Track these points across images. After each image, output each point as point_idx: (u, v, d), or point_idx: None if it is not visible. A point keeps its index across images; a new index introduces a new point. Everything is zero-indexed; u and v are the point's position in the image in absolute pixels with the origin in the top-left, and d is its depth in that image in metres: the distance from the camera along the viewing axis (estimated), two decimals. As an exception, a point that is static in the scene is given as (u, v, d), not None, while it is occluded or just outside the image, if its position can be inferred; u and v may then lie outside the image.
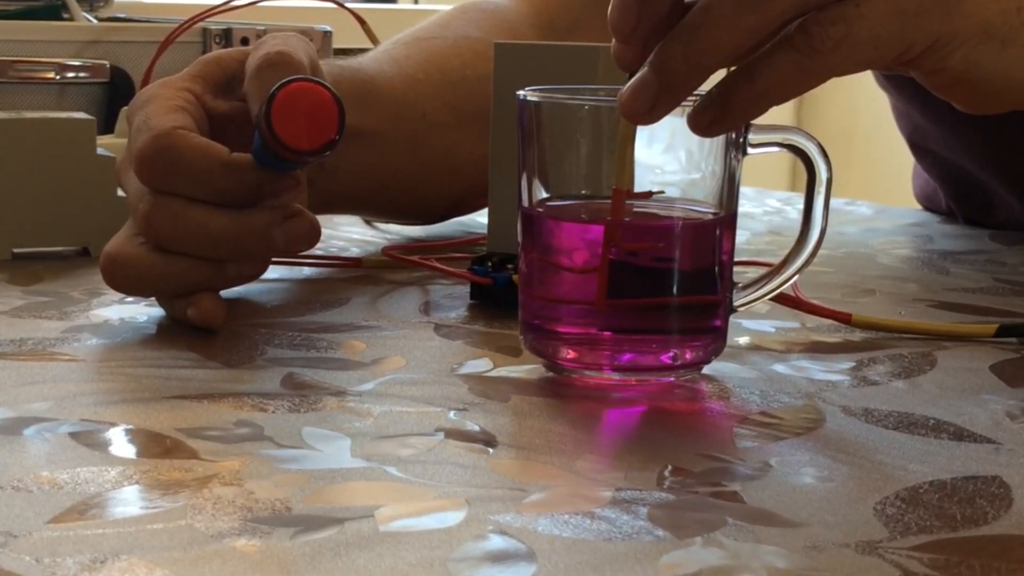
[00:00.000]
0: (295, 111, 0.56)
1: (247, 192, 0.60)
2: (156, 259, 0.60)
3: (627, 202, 0.51)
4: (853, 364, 0.58)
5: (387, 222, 0.88)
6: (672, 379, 0.55)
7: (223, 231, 0.60)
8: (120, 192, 0.77)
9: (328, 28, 1.32)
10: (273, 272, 0.72)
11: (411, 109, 0.77)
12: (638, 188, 0.54)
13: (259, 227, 0.60)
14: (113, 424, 0.48)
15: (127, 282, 0.61)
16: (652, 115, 0.50)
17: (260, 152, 0.58)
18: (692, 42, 0.49)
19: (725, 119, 0.51)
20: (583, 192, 0.56)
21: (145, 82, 0.92)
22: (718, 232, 0.54)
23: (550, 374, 0.55)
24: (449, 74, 0.79)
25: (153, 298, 0.64)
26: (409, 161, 0.78)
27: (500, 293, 0.65)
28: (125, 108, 0.91)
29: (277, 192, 0.60)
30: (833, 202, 0.56)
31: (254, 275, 0.64)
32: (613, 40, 0.52)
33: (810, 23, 0.50)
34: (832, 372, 0.57)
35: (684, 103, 0.52)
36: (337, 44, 1.30)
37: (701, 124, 0.51)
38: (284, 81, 0.57)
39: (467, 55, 0.80)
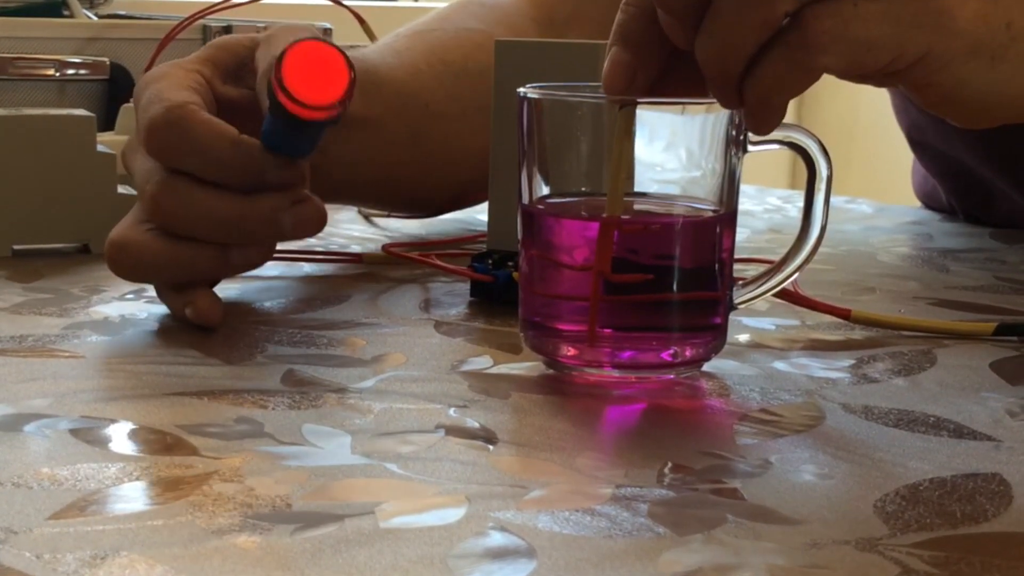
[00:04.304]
0: (306, 67, 0.56)
1: (253, 174, 0.59)
2: (161, 245, 0.60)
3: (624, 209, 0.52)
4: (853, 361, 0.58)
5: (387, 214, 0.88)
6: (672, 376, 0.55)
7: (230, 213, 0.59)
8: (120, 189, 0.77)
9: (328, 25, 1.32)
10: (273, 269, 0.72)
11: (414, 99, 0.77)
12: (638, 186, 0.54)
13: (266, 211, 0.60)
14: (113, 421, 0.48)
15: (131, 268, 0.61)
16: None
17: (269, 135, 0.58)
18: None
19: (772, 118, 0.52)
20: (584, 189, 0.56)
21: (145, 79, 0.92)
22: (718, 230, 0.54)
23: (550, 371, 0.55)
24: (451, 65, 0.79)
25: (154, 292, 0.64)
26: (410, 151, 0.78)
27: (500, 290, 0.65)
28: (126, 105, 0.91)
29: (283, 180, 0.60)
30: (833, 200, 0.56)
31: (258, 262, 0.64)
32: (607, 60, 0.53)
33: (806, 16, 0.50)
34: (832, 369, 0.57)
35: (686, 102, 0.52)
36: (336, 42, 1.30)
37: (765, 129, 0.53)
38: (292, 40, 0.57)
39: (468, 47, 0.80)
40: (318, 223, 0.61)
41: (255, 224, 0.60)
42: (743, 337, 0.62)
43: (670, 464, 0.45)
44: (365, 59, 0.77)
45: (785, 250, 0.56)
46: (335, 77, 0.56)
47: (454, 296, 0.68)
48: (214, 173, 0.59)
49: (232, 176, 0.59)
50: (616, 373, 0.54)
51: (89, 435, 0.46)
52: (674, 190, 0.55)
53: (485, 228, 0.76)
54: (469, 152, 0.78)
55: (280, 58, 0.56)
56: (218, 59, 0.66)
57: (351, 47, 0.78)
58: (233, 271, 0.63)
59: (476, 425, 0.48)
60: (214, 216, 0.59)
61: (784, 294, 0.63)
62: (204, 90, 0.63)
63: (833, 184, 0.55)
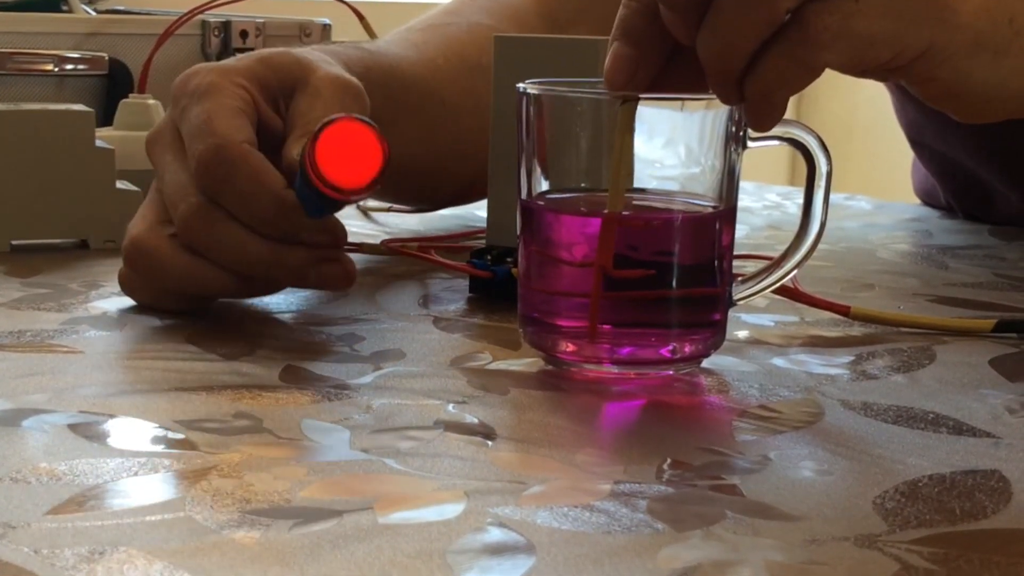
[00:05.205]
0: (339, 149, 0.55)
1: (286, 231, 0.59)
2: (185, 259, 0.59)
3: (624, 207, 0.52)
4: (852, 358, 0.58)
5: (387, 208, 0.88)
6: (671, 372, 0.55)
7: (258, 256, 0.59)
8: (119, 184, 0.77)
9: (327, 21, 1.31)
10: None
11: (432, 96, 0.77)
12: (638, 183, 0.54)
13: (294, 264, 0.59)
14: (112, 416, 0.48)
15: (150, 273, 0.61)
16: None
17: (301, 195, 0.58)
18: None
19: (773, 114, 0.52)
20: (583, 185, 0.56)
21: (144, 75, 0.92)
22: (718, 226, 0.54)
23: (549, 367, 0.55)
24: (466, 60, 0.80)
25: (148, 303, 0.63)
26: (424, 147, 0.78)
27: (499, 286, 0.65)
28: (125, 100, 0.91)
29: (317, 241, 0.59)
30: (833, 197, 0.56)
31: (279, 291, 0.64)
32: (609, 54, 0.53)
33: (807, 13, 0.50)
34: (831, 366, 0.57)
35: (687, 98, 0.53)
36: (336, 38, 1.30)
37: (766, 125, 0.53)
38: (328, 119, 0.56)
39: (481, 42, 0.80)
40: (345, 283, 0.61)
41: (281, 272, 0.60)
42: (742, 333, 0.62)
43: (669, 460, 0.45)
44: (387, 54, 0.76)
45: (784, 247, 0.56)
46: (368, 160, 0.55)
47: (453, 292, 0.68)
48: (251, 221, 0.59)
49: (268, 229, 0.59)
50: (615, 369, 0.54)
51: (87, 430, 0.46)
52: (673, 186, 0.55)
53: (484, 224, 0.76)
54: (479, 147, 0.78)
55: (314, 139, 0.55)
56: (264, 78, 0.64)
57: (357, 44, 0.77)
58: (253, 295, 0.63)
59: (475, 421, 0.48)
60: (244, 254, 0.59)
61: (783, 290, 0.63)
62: (251, 111, 0.62)
63: (832, 181, 0.55)
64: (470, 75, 0.79)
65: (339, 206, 0.58)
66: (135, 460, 0.43)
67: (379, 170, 0.56)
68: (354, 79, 0.65)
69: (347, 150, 0.55)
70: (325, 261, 0.60)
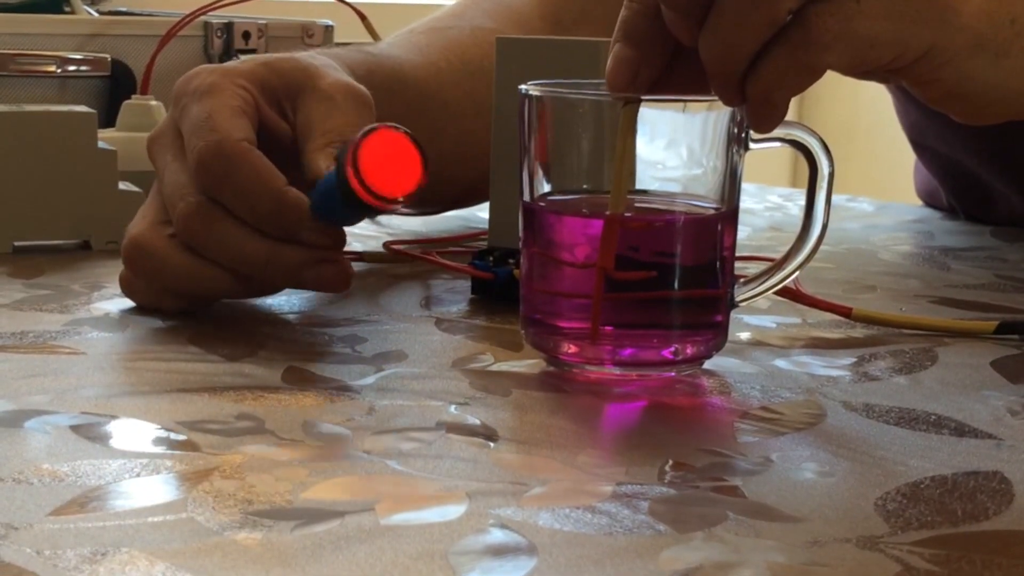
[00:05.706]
0: (382, 157, 0.55)
1: (286, 228, 0.59)
2: (184, 258, 0.60)
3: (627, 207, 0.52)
4: (854, 360, 0.58)
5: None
6: (673, 374, 0.55)
7: (256, 255, 0.59)
8: (121, 185, 0.77)
9: (330, 22, 1.32)
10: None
11: (434, 99, 0.77)
12: (639, 184, 0.54)
13: (292, 263, 0.59)
14: (114, 417, 0.48)
15: (149, 273, 0.61)
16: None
17: (322, 199, 0.57)
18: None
19: (774, 115, 0.52)
20: (585, 187, 0.56)
21: (147, 76, 0.92)
22: (719, 227, 0.54)
23: (551, 369, 0.55)
24: (469, 64, 0.80)
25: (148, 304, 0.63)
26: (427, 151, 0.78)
27: (501, 288, 0.65)
28: (128, 102, 0.91)
29: (316, 242, 0.59)
30: (834, 198, 0.56)
31: (278, 291, 0.64)
32: (611, 53, 0.53)
33: (809, 14, 0.50)
34: (833, 367, 0.57)
35: (689, 99, 0.53)
36: (338, 39, 1.30)
37: (767, 127, 0.53)
38: (369, 128, 0.56)
39: (484, 45, 0.80)
40: (341, 285, 0.60)
41: (278, 271, 0.59)
42: (744, 335, 0.62)
43: (671, 461, 0.45)
44: (389, 57, 0.76)
45: (786, 248, 0.56)
46: (409, 171, 0.56)
47: (455, 293, 0.68)
48: (250, 218, 0.59)
49: (267, 227, 0.59)
50: (617, 371, 0.54)
51: (90, 431, 0.46)
52: (675, 188, 0.55)
53: (486, 225, 0.76)
54: (482, 150, 0.78)
55: (356, 146, 0.55)
56: (267, 81, 0.64)
57: (359, 47, 0.77)
58: (252, 295, 0.63)
59: (477, 422, 0.48)
60: (242, 252, 0.59)
61: (785, 292, 0.63)
62: (252, 112, 0.62)
63: (834, 182, 0.55)
64: (472, 78, 0.79)
65: (370, 214, 0.59)
66: (137, 461, 0.43)
67: (420, 178, 0.56)
68: (362, 87, 0.65)
69: (388, 159, 0.56)
70: (323, 262, 0.60)
